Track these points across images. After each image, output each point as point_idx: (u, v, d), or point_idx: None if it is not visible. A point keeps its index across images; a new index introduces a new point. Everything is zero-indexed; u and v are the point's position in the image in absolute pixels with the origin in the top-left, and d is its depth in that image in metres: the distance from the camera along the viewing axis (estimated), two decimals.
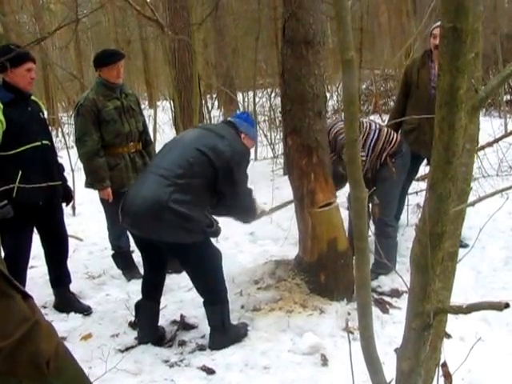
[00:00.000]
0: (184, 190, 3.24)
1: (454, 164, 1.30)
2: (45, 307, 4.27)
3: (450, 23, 1.17)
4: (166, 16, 8.20)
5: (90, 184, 4.57)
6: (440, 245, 1.41)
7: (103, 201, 4.57)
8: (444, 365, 2.49)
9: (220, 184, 3.38)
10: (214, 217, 3.50)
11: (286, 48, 3.78)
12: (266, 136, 9.83)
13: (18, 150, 3.80)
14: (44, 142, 4.00)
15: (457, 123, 1.26)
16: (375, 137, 4.42)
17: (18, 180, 3.64)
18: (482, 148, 6.81)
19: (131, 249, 4.83)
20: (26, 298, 1.02)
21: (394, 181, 4.40)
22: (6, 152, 3.75)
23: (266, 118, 10.65)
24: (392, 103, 12.14)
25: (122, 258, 4.83)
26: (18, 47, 3.84)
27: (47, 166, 4.02)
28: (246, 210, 3.70)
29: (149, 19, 6.19)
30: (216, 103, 14.97)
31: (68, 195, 4.28)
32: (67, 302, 4.26)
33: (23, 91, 3.89)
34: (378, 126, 4.58)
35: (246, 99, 12.26)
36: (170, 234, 3.23)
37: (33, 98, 4.06)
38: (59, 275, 4.30)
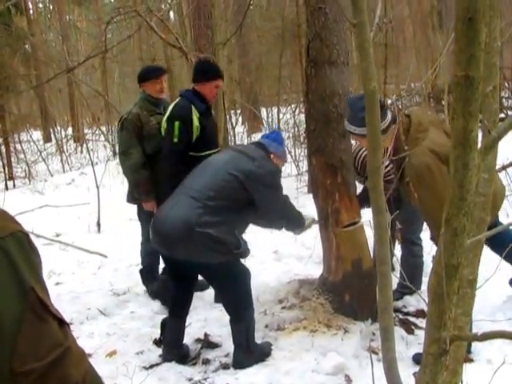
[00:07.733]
0: (214, 212, 3.29)
1: (468, 200, 1.37)
2: (71, 323, 4.29)
3: (462, 71, 1.25)
4: (191, 34, 8.29)
5: (134, 199, 4.64)
6: (456, 275, 1.47)
7: (140, 217, 4.64)
8: None
9: (261, 208, 3.47)
10: (244, 237, 3.53)
11: (310, 68, 3.81)
12: (290, 153, 9.79)
13: (206, 152, 4.10)
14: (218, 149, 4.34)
15: (470, 162, 1.33)
16: None
17: None
18: (511, 165, 6.66)
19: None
20: (62, 324, 1.07)
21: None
22: (197, 153, 4.13)
23: (291, 135, 10.63)
24: None
25: (149, 275, 4.87)
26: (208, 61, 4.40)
27: None
28: (293, 223, 3.85)
29: (173, 47, 6.28)
30: (240, 119, 15.04)
31: None
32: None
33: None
34: None
35: (270, 115, 12.29)
36: (199, 254, 3.27)
37: None
38: None
